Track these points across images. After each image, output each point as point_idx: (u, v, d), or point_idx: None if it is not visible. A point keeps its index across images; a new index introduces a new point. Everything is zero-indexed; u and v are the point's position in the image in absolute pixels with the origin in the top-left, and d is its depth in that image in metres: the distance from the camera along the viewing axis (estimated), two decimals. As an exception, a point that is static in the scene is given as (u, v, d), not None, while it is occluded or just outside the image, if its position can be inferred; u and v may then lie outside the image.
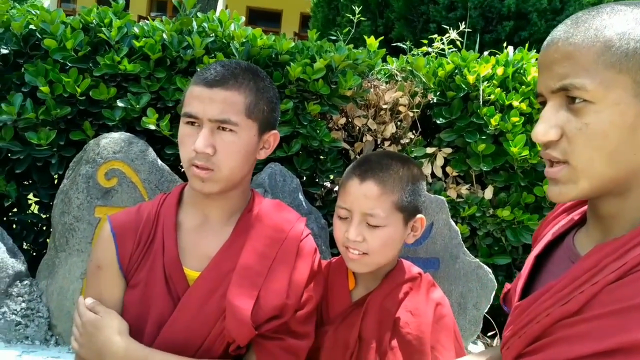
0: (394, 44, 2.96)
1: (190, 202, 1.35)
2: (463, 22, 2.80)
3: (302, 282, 1.31)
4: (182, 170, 2.20)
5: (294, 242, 1.33)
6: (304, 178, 2.20)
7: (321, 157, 2.20)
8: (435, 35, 2.64)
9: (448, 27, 2.68)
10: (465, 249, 2.08)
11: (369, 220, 1.23)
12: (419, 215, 1.28)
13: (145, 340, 1.27)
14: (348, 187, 1.27)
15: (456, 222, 2.35)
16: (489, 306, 2.14)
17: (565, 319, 0.73)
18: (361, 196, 1.24)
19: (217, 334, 1.25)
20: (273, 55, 2.14)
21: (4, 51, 2.01)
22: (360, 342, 1.25)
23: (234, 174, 1.27)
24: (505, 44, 2.76)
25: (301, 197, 1.94)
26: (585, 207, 0.89)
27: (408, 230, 1.28)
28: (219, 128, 1.21)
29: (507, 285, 1.03)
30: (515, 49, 2.61)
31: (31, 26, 2.02)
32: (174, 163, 2.16)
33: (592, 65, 0.72)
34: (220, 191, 1.26)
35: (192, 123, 1.22)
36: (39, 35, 2.02)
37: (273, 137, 1.34)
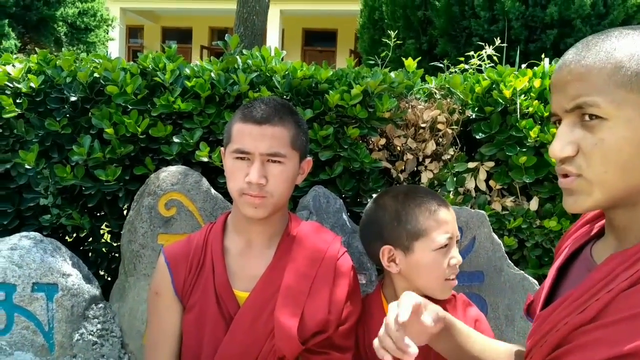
0: (431, 63, 3.04)
1: (235, 229, 1.51)
2: (504, 34, 2.84)
3: (342, 298, 1.43)
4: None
5: (332, 261, 1.46)
6: (348, 199, 2.30)
7: (364, 177, 2.30)
8: (472, 53, 2.70)
9: (484, 44, 2.73)
10: (510, 262, 2.11)
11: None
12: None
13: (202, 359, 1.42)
14: None
15: (503, 235, 2.38)
16: (537, 317, 2.15)
17: (582, 326, 0.77)
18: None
19: (268, 350, 1.38)
20: (313, 85, 2.28)
21: (73, 98, 2.25)
22: None
23: (282, 199, 1.43)
24: (551, 53, 2.77)
25: (345, 216, 2.05)
26: (604, 221, 0.93)
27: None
28: (268, 160, 1.37)
29: (530, 296, 1.07)
30: (560, 57, 2.61)
31: (95, 74, 2.25)
32: (227, 191, 2.32)
33: (604, 85, 0.76)
34: (268, 215, 1.41)
35: (242, 158, 1.39)
36: (103, 82, 2.25)
37: (307, 164, 1.50)
